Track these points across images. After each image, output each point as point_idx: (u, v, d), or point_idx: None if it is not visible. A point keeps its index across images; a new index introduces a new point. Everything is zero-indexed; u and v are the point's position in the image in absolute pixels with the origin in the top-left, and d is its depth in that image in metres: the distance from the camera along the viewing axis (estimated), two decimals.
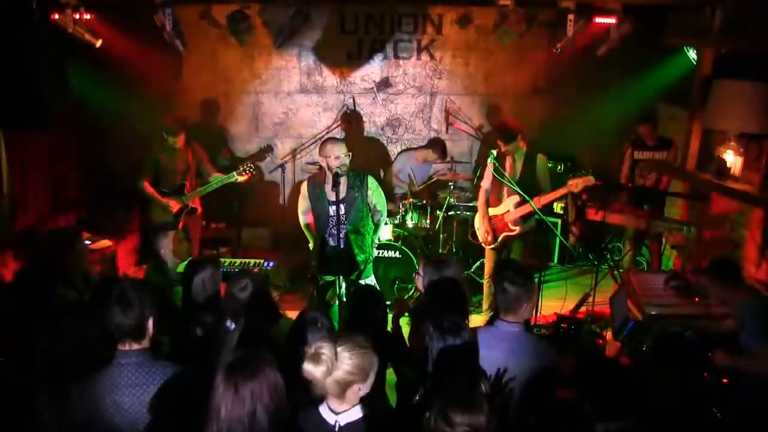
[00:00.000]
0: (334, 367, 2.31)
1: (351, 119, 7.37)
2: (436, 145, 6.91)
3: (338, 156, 4.36)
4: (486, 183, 5.48)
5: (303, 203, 4.72)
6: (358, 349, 2.37)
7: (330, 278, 4.64)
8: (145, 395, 2.53)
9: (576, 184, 5.19)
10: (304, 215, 4.75)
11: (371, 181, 4.62)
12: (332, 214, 4.50)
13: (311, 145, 7.42)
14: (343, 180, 4.36)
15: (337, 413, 2.39)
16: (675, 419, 2.68)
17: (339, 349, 2.34)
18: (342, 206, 4.37)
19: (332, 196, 4.42)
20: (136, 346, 2.60)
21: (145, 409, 2.52)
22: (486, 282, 5.65)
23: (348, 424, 2.39)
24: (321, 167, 4.58)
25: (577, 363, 2.74)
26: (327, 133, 7.38)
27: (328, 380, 2.32)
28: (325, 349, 2.33)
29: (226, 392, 2.17)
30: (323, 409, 2.42)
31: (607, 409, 2.47)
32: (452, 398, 2.21)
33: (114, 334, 2.60)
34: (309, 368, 2.31)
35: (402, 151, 7.26)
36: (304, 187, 4.69)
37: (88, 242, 5.62)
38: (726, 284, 3.68)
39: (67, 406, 2.58)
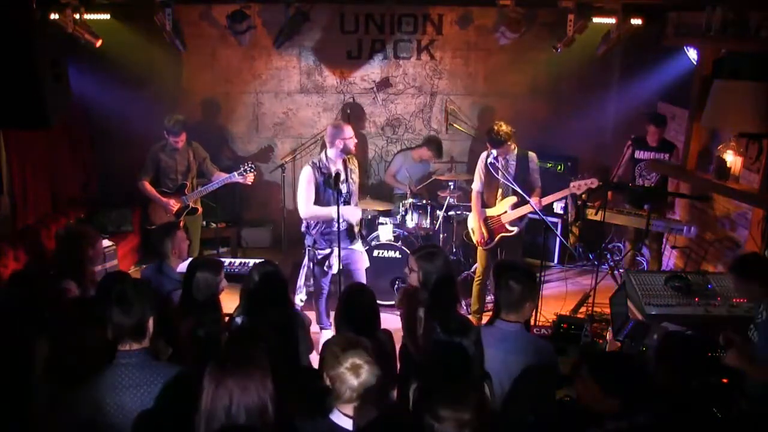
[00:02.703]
0: (370, 371, 2.33)
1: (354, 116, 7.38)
2: (432, 142, 6.89)
3: (353, 137, 4.92)
4: (477, 185, 5.46)
5: (311, 192, 4.91)
6: (370, 353, 2.39)
7: (327, 251, 5.06)
8: (147, 395, 2.52)
9: (578, 186, 5.20)
10: (309, 206, 4.93)
11: (354, 160, 5.16)
12: (342, 192, 4.85)
13: (311, 145, 7.42)
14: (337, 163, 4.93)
15: (354, 417, 2.37)
16: (677, 417, 2.68)
17: (359, 355, 2.35)
18: (346, 186, 4.90)
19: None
20: (136, 347, 2.59)
21: (146, 408, 2.51)
22: (476, 285, 5.62)
23: (365, 427, 2.38)
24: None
25: (597, 360, 2.73)
26: None
27: (368, 385, 2.33)
28: (359, 358, 2.34)
29: (209, 386, 2.18)
30: (336, 417, 2.38)
31: (629, 405, 2.48)
32: (441, 393, 2.24)
33: (114, 333, 2.60)
34: (351, 381, 2.32)
35: (398, 152, 7.27)
36: (310, 174, 4.88)
37: None
38: (753, 280, 3.54)
39: (67, 407, 2.57)
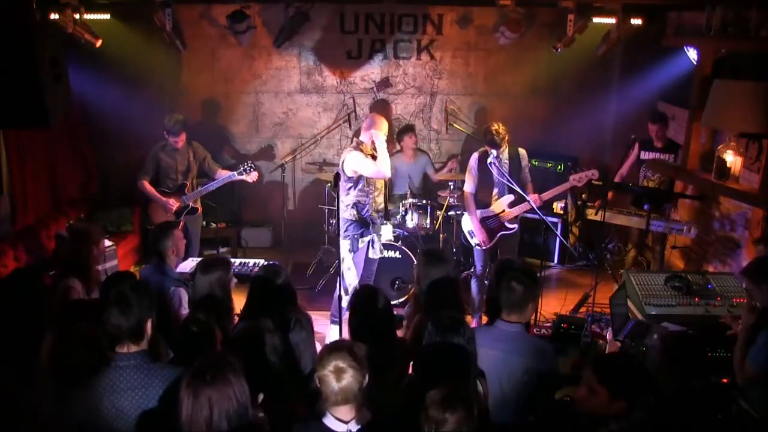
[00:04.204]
0: (354, 376, 2.32)
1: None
2: (403, 131, 6.83)
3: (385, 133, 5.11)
4: (470, 186, 5.44)
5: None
6: (356, 352, 2.38)
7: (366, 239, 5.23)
8: (144, 398, 2.51)
9: (579, 179, 5.20)
10: (378, 162, 5.06)
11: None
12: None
13: (311, 145, 7.42)
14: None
15: (347, 422, 2.36)
16: (679, 417, 2.68)
17: (343, 358, 2.34)
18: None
19: None
20: (134, 348, 2.58)
21: (144, 411, 2.50)
22: (475, 283, 5.59)
23: (359, 430, 2.37)
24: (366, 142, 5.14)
25: (603, 362, 2.71)
26: (327, 133, 7.39)
27: (348, 390, 2.32)
28: (342, 361, 2.32)
29: (186, 395, 2.18)
30: (329, 421, 2.37)
31: (633, 403, 2.47)
32: (435, 396, 2.23)
33: (112, 335, 2.59)
34: (332, 384, 2.31)
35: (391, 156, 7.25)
36: (360, 153, 5.06)
37: None
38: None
39: (66, 407, 2.56)
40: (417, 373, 2.77)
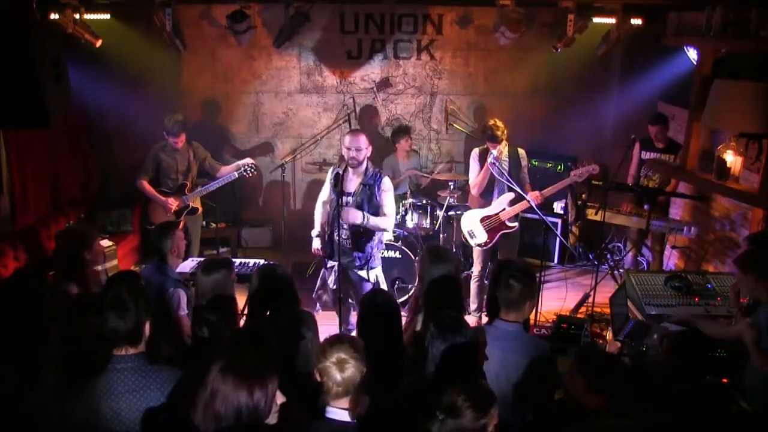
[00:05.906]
0: (356, 366, 2.35)
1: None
2: (398, 133, 6.82)
3: (349, 146, 4.57)
4: (474, 177, 5.46)
5: (324, 190, 5.00)
6: (357, 344, 2.41)
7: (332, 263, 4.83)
8: (142, 400, 2.51)
9: (580, 174, 5.21)
10: (321, 203, 4.98)
11: (386, 182, 4.68)
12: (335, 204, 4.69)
13: (311, 145, 7.42)
14: (356, 174, 4.65)
15: (348, 409, 2.39)
16: (684, 417, 2.68)
17: (344, 350, 2.36)
18: (347, 198, 4.57)
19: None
20: (131, 351, 2.57)
21: (142, 413, 2.50)
22: (474, 283, 5.61)
23: (363, 416, 2.40)
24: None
25: (587, 355, 2.75)
26: (327, 133, 7.39)
27: (350, 381, 2.34)
28: (344, 352, 2.35)
29: (209, 378, 2.18)
30: (332, 414, 2.38)
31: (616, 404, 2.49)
32: (472, 401, 2.24)
33: (110, 338, 2.58)
34: (335, 375, 2.33)
35: (385, 159, 7.25)
36: (329, 174, 4.93)
37: None
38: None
39: (67, 407, 2.56)
40: (421, 372, 2.76)
